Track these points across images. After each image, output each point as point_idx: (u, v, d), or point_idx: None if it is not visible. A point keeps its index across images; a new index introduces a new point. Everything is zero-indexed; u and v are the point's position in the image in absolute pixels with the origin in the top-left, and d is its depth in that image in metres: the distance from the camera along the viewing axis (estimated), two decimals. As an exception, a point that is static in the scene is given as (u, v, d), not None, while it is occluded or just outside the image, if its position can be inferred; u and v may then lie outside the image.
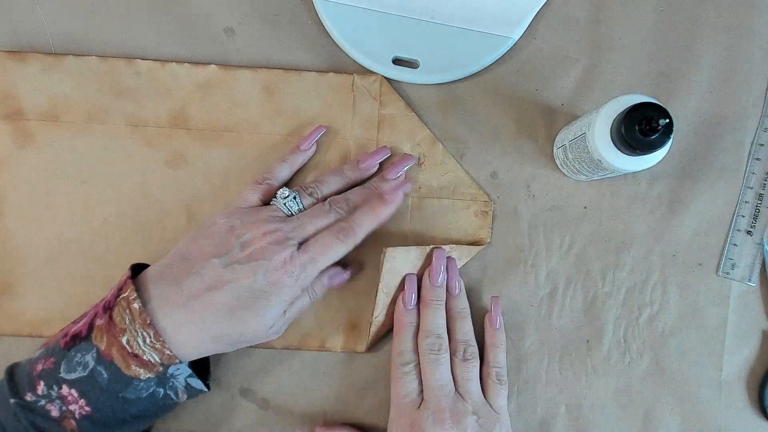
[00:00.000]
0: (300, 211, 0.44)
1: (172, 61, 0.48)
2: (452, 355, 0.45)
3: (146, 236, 0.48)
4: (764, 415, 0.49)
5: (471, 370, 0.45)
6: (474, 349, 0.46)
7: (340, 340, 0.48)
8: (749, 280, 0.49)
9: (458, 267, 0.48)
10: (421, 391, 0.44)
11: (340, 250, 0.42)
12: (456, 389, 0.44)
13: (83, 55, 0.47)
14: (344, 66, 0.49)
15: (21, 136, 0.47)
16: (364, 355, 0.48)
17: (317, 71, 0.48)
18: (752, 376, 0.49)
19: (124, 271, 0.42)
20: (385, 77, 0.48)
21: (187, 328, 0.40)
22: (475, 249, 0.48)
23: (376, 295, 0.46)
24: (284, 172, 0.46)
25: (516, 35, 0.48)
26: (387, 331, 0.48)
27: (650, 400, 0.49)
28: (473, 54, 0.48)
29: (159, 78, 0.48)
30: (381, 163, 0.48)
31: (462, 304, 0.47)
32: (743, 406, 0.49)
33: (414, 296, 0.47)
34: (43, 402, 0.39)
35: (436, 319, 0.46)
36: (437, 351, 0.44)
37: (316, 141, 0.47)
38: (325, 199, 0.45)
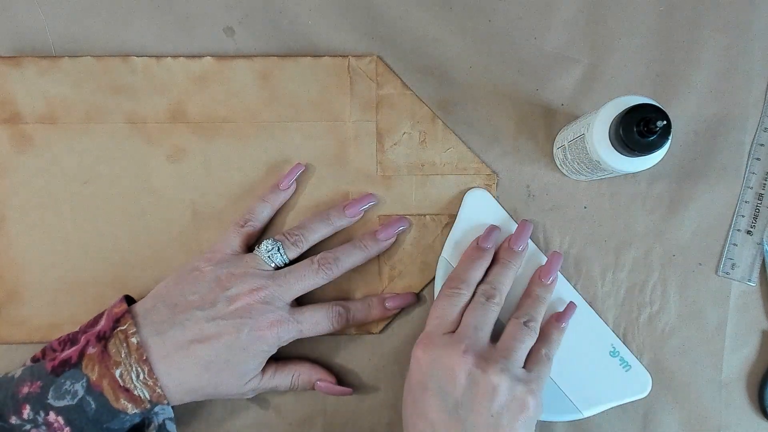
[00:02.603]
0: (285, 263, 0.44)
1: (167, 56, 0.48)
2: (513, 317, 0.44)
3: (152, 233, 0.48)
4: (764, 415, 0.49)
5: (524, 337, 0.43)
6: (536, 325, 0.44)
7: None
8: (749, 280, 0.49)
9: (558, 265, 0.47)
10: (457, 325, 0.43)
11: (330, 328, 0.45)
12: (496, 344, 0.42)
13: (78, 56, 0.47)
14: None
15: (20, 140, 0.47)
16: (364, 356, 0.49)
17: (312, 56, 0.48)
18: (752, 376, 0.49)
19: (117, 299, 0.43)
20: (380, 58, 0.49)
21: (168, 377, 0.40)
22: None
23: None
24: (265, 213, 0.46)
25: (586, 414, 0.47)
26: (398, 312, 0.48)
27: (650, 400, 0.49)
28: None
29: (155, 74, 0.48)
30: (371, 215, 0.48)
31: (544, 293, 0.46)
32: (743, 406, 0.49)
33: (492, 239, 0.46)
34: (28, 426, 0.38)
35: (500, 276, 0.45)
36: (487, 300, 0.43)
37: (295, 179, 0.47)
38: (310, 247, 0.46)
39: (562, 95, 0.49)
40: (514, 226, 0.48)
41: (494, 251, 0.46)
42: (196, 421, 0.48)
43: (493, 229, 0.47)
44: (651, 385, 0.48)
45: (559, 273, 0.47)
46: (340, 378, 0.48)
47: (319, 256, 0.45)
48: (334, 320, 0.45)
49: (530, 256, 0.48)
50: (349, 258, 0.45)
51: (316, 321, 0.44)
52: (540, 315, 0.45)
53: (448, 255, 0.48)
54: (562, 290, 0.48)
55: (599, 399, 0.47)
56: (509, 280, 0.45)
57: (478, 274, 0.45)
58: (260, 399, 0.48)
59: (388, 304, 0.47)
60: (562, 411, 0.47)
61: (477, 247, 0.46)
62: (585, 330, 0.48)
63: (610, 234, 0.49)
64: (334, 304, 0.45)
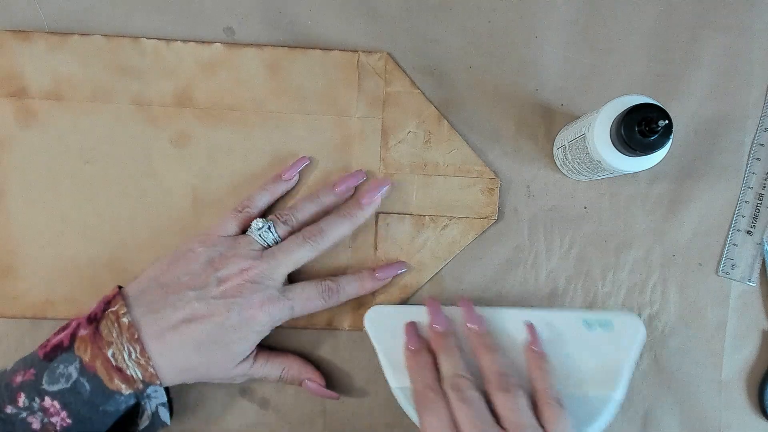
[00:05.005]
0: (275, 241, 0.44)
1: (177, 40, 0.48)
2: (488, 390, 0.41)
3: (151, 216, 0.48)
4: (764, 415, 0.49)
5: (517, 402, 0.39)
6: (513, 378, 0.41)
7: (347, 318, 0.48)
8: (749, 280, 0.49)
9: (472, 306, 0.45)
10: (455, 428, 0.39)
11: (321, 303, 0.44)
12: (502, 426, 0.39)
13: (88, 34, 0.47)
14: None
15: (24, 115, 0.47)
16: (364, 356, 0.48)
17: (322, 49, 0.48)
18: (752, 376, 0.49)
19: (111, 281, 0.44)
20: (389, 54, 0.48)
21: (160, 356, 0.40)
22: (481, 225, 0.48)
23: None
24: (264, 201, 0.46)
25: (618, 395, 0.45)
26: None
27: (650, 400, 0.49)
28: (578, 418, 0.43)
29: (164, 57, 0.48)
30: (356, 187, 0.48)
31: (488, 340, 0.43)
32: (743, 406, 0.49)
33: (416, 338, 0.44)
34: (24, 414, 0.38)
35: (450, 361, 0.42)
36: (461, 391, 0.40)
37: (298, 171, 0.47)
38: (301, 226, 0.45)
39: (562, 95, 0.49)
40: (423, 310, 0.46)
41: (426, 342, 0.44)
42: (194, 420, 0.48)
43: (411, 327, 0.45)
44: (639, 320, 0.45)
45: (477, 309, 0.45)
46: (340, 378, 0.48)
47: (304, 229, 0.45)
48: (325, 294, 0.44)
49: (457, 320, 0.45)
50: (336, 228, 0.45)
51: (307, 296, 0.44)
52: (504, 365, 0.42)
53: (395, 382, 0.45)
54: (506, 317, 0.46)
55: (614, 373, 0.45)
56: (459, 358, 0.42)
57: (432, 373, 0.42)
58: (260, 399, 0.48)
59: (378, 274, 0.47)
60: (600, 412, 0.44)
61: (411, 352, 0.44)
62: (553, 333, 0.45)
63: (610, 234, 0.49)
64: (324, 279, 0.45)
